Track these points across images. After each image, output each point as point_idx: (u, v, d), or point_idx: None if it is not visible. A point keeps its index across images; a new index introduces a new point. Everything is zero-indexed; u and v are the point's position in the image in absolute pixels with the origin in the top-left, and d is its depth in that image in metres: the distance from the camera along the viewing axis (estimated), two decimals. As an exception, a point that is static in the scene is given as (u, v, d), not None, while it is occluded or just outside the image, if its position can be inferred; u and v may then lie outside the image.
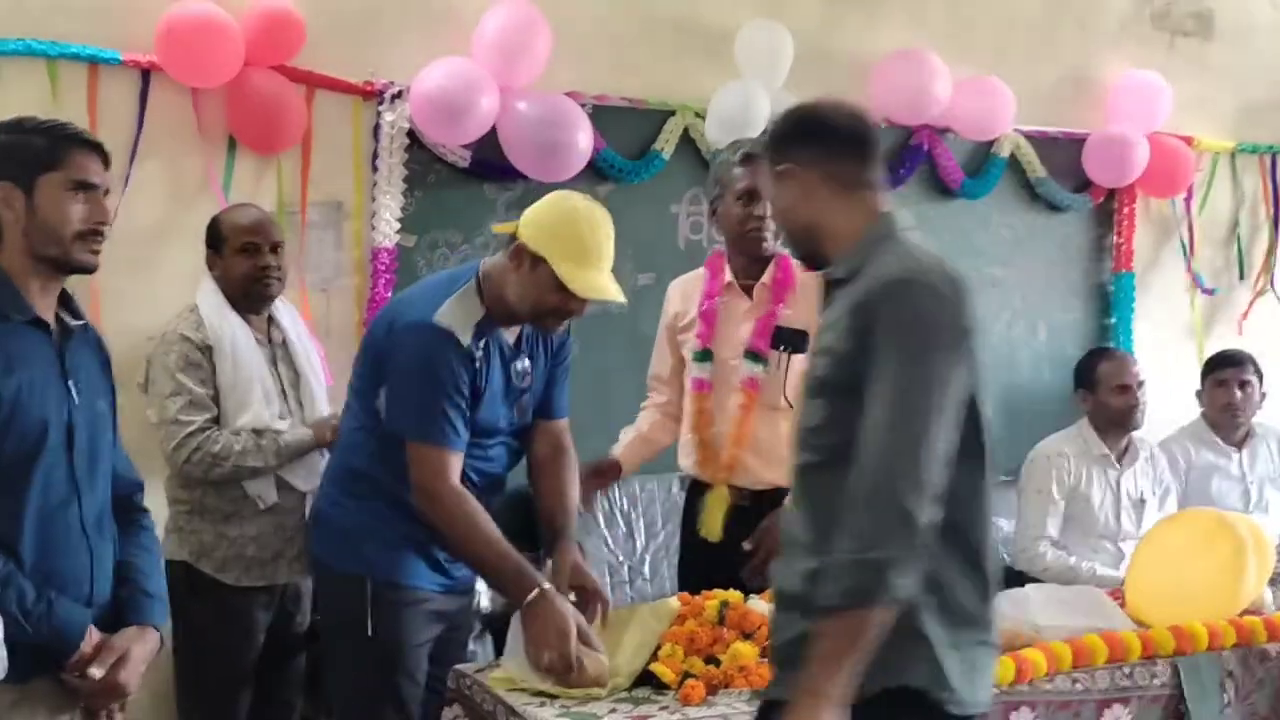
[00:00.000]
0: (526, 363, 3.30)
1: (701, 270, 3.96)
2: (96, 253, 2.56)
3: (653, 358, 4.09)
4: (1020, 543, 4.74)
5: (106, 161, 2.59)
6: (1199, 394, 5.22)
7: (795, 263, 3.82)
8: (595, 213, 3.14)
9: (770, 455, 3.76)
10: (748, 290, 3.84)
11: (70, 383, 2.53)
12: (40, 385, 2.46)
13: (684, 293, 3.97)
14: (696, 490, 3.89)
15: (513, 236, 3.13)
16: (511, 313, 3.18)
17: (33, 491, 2.42)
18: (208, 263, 3.77)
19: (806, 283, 3.80)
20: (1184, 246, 6.09)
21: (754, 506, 3.76)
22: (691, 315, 3.89)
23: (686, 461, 3.92)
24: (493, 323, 3.18)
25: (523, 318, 3.21)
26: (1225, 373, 5.12)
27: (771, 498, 3.72)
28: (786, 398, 3.73)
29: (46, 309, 2.53)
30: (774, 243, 3.77)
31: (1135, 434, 4.85)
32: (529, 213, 3.16)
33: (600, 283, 3.11)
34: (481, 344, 3.14)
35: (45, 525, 2.45)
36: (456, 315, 3.08)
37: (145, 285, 4.16)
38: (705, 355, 3.84)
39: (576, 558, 3.24)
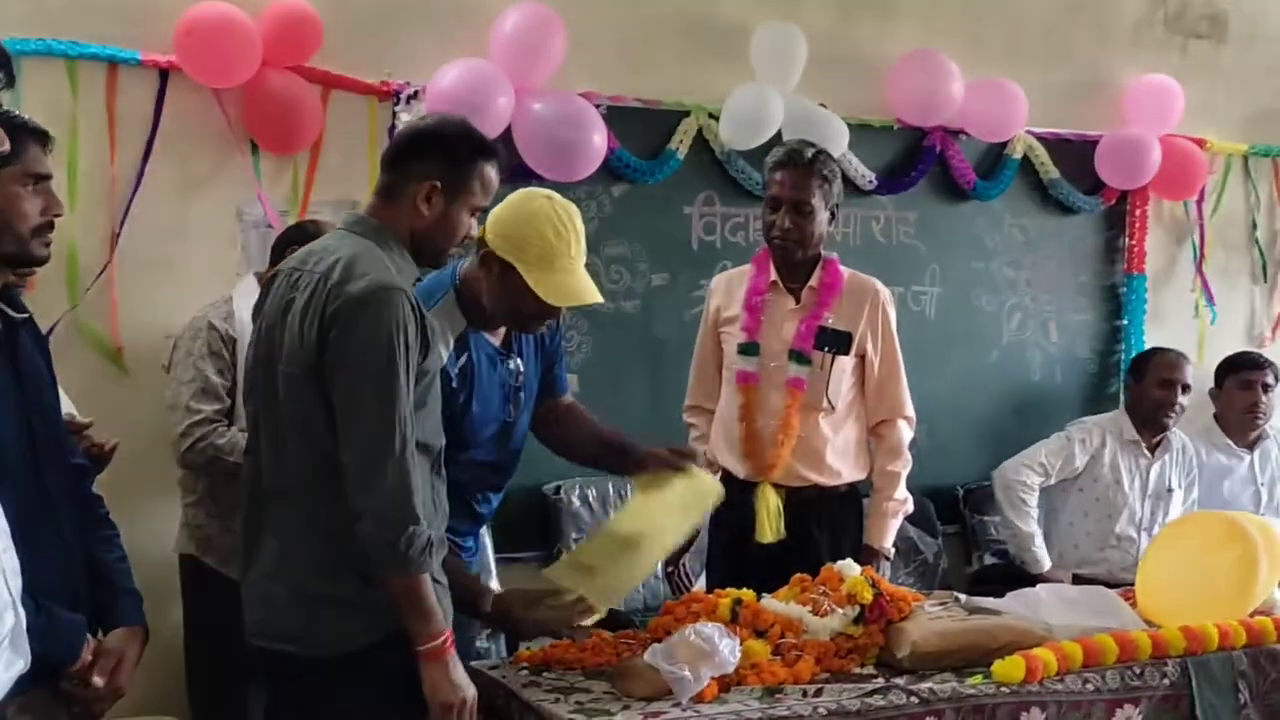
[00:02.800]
0: (518, 361, 3.22)
1: (746, 267, 3.98)
2: (49, 244, 2.49)
3: (691, 375, 4.09)
4: (1014, 462, 4.87)
5: (49, 149, 2.50)
6: (1213, 394, 5.22)
7: (844, 267, 3.87)
8: (560, 212, 3.00)
9: (810, 454, 3.83)
10: (791, 290, 3.87)
11: (22, 380, 2.45)
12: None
13: (727, 288, 3.99)
14: (733, 488, 3.90)
15: (482, 241, 3.00)
16: (491, 319, 3.09)
17: (5, 500, 2.26)
18: (272, 254, 3.78)
19: (852, 287, 3.84)
20: (1195, 249, 6.09)
21: (789, 503, 3.81)
22: (734, 310, 3.91)
23: (726, 458, 3.93)
24: (476, 330, 3.11)
25: (503, 323, 3.12)
26: (1250, 374, 5.12)
27: (808, 496, 3.81)
28: (829, 398, 3.78)
29: None
30: (802, 250, 3.80)
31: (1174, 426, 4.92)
32: (493, 216, 3.02)
33: (573, 286, 3.02)
34: (461, 360, 3.06)
35: (27, 535, 2.32)
36: (437, 332, 2.84)
37: (162, 284, 4.20)
38: (751, 348, 3.85)
39: (651, 449, 3.32)
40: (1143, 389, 4.90)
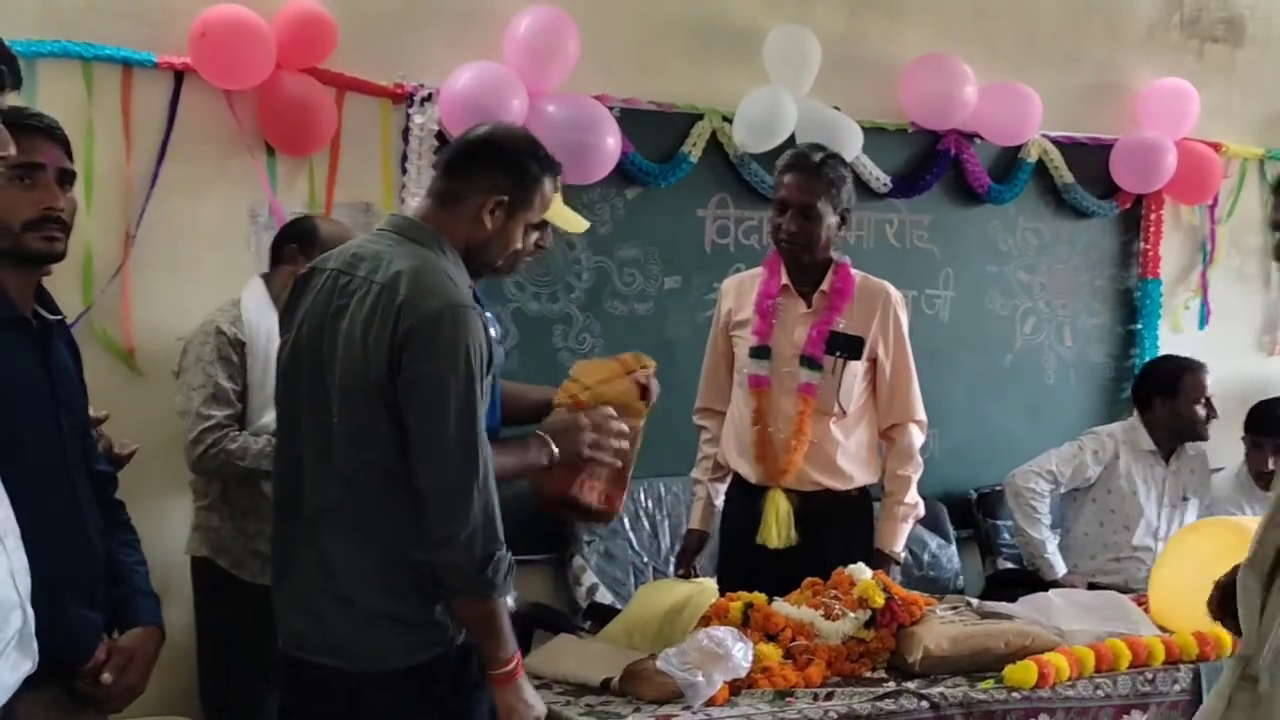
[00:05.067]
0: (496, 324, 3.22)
1: (758, 270, 3.98)
2: (54, 239, 2.42)
3: (702, 377, 4.09)
4: (1025, 469, 4.83)
5: (62, 144, 2.45)
6: (1245, 440, 5.11)
7: (856, 271, 3.86)
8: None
9: (822, 459, 3.83)
10: (802, 294, 3.87)
11: (55, 382, 2.45)
12: (26, 389, 2.38)
13: (738, 291, 3.99)
14: (744, 492, 3.90)
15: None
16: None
17: (35, 500, 2.28)
18: (287, 255, 3.77)
19: (864, 291, 3.84)
20: (1204, 253, 6.08)
21: (801, 508, 3.81)
22: (745, 314, 3.91)
23: (737, 461, 3.93)
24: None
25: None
26: (1262, 439, 4.98)
27: (820, 500, 3.80)
28: (840, 403, 3.78)
29: (24, 304, 2.41)
30: (809, 254, 3.79)
31: None
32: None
33: (569, 211, 3.10)
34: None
35: (53, 533, 2.35)
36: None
37: (175, 285, 4.21)
38: (763, 352, 3.86)
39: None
40: (1176, 406, 4.84)
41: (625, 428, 2.88)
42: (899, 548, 3.86)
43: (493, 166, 2.68)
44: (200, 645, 3.90)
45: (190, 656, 3.91)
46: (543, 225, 2.90)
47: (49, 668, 2.30)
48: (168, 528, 3.95)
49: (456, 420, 2.45)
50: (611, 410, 2.87)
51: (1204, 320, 6.09)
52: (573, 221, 3.12)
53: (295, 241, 3.79)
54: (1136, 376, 5.21)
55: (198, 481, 3.79)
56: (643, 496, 4.85)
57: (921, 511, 3.95)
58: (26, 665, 2.14)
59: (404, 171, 4.53)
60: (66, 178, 2.48)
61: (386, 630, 2.53)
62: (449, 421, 2.45)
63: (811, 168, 3.74)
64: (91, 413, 3.24)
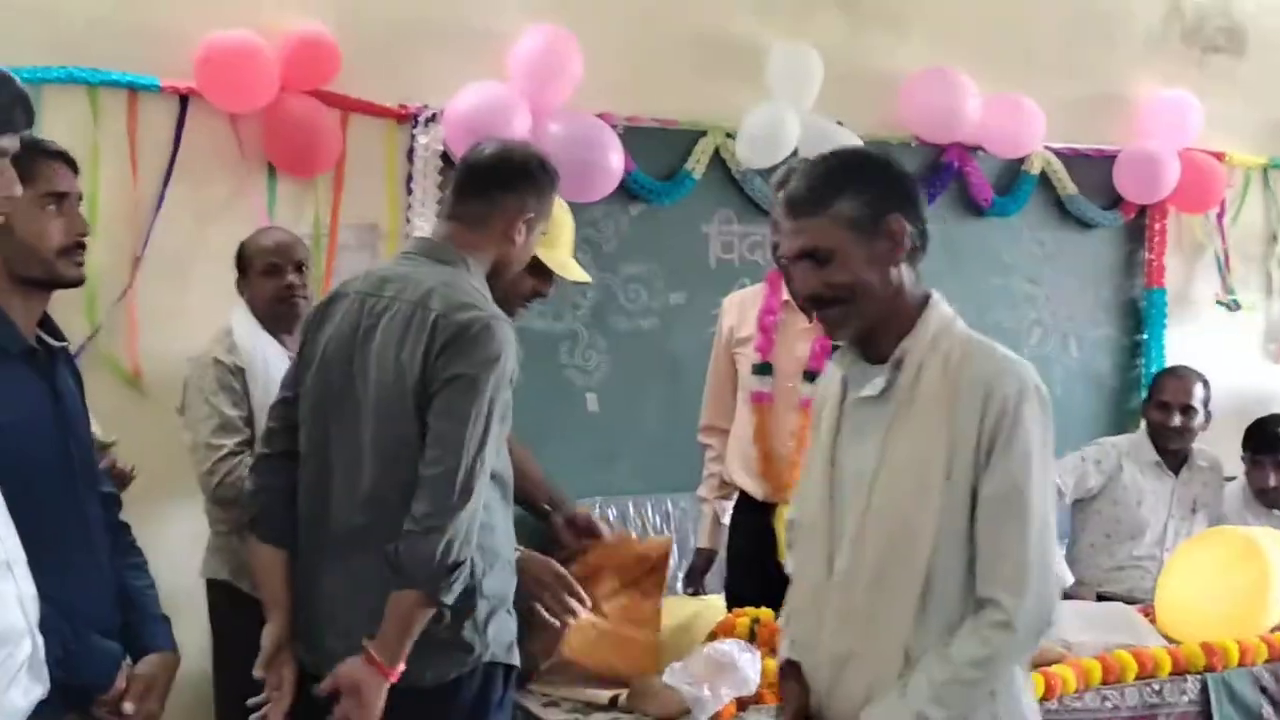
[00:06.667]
0: None
1: (759, 286, 3.99)
2: (80, 264, 2.46)
3: (706, 395, 4.07)
4: None
5: (75, 168, 2.49)
6: (1244, 458, 5.08)
7: None
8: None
9: None
10: (804, 309, 3.86)
11: (61, 408, 2.45)
12: (36, 420, 2.39)
13: (740, 308, 3.99)
14: (751, 509, 3.90)
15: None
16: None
17: (49, 530, 2.31)
18: (237, 287, 3.82)
19: None
20: (1219, 262, 6.08)
21: None
22: (747, 331, 3.91)
23: (742, 478, 3.93)
24: None
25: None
26: (1261, 456, 4.85)
27: None
28: None
29: (31, 333, 2.43)
30: None
31: (1195, 444, 4.83)
32: None
33: (574, 264, 3.15)
34: None
35: (66, 561, 2.37)
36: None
37: (183, 308, 4.23)
38: (765, 368, 3.86)
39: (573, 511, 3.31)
40: (1147, 411, 4.85)
41: (585, 598, 3.03)
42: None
43: (517, 186, 2.73)
44: (218, 668, 3.88)
45: (204, 680, 3.90)
46: (546, 275, 2.98)
47: (68, 697, 2.33)
48: (175, 549, 3.94)
49: (475, 421, 2.49)
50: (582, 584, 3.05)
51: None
52: (577, 274, 3.17)
53: (237, 268, 3.82)
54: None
55: (214, 509, 3.78)
56: (650, 513, 4.86)
57: None
58: (38, 690, 2.16)
59: (409, 192, 4.56)
60: (78, 202, 2.52)
61: (416, 648, 2.53)
62: (470, 420, 2.48)
63: None
64: (101, 435, 3.26)
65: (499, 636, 2.63)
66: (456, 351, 2.50)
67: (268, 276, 3.73)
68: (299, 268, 3.77)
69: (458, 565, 2.48)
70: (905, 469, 2.29)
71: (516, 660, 2.69)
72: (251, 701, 2.69)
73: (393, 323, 2.57)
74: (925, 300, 2.43)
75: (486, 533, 2.58)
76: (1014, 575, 2.22)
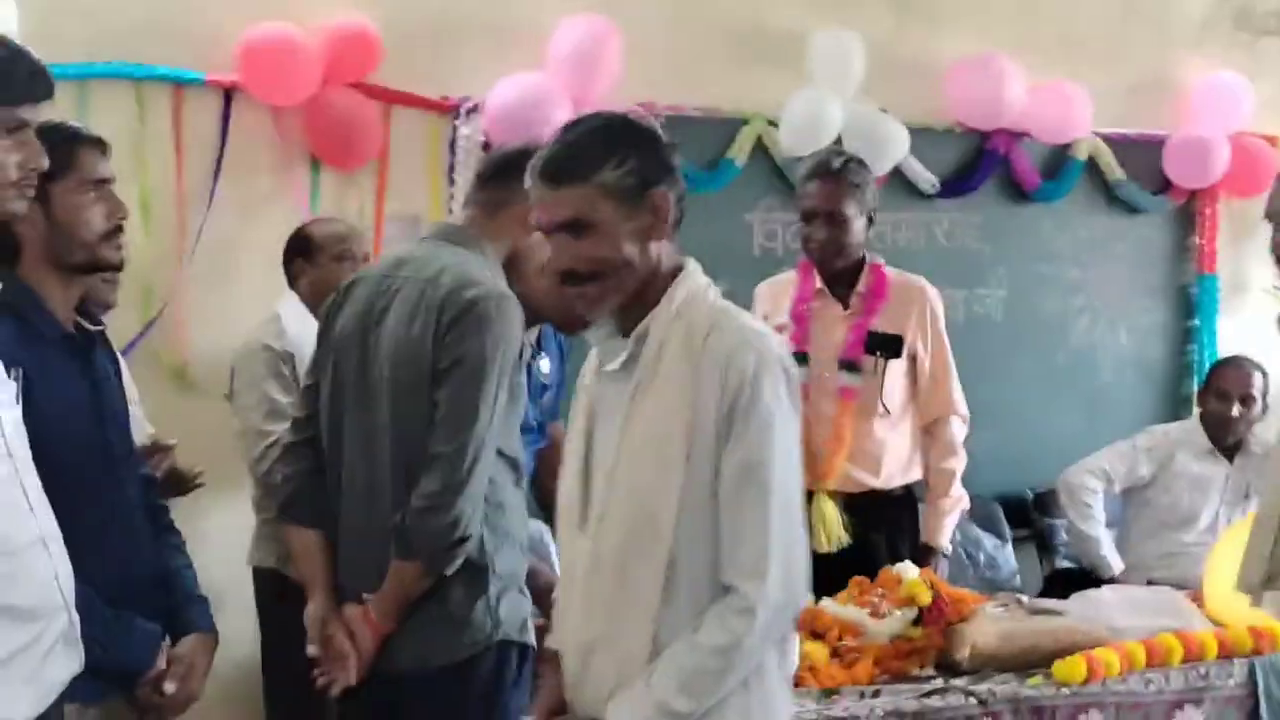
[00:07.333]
0: (546, 361, 3.31)
1: (791, 274, 3.98)
2: (120, 248, 2.51)
3: None
4: (1077, 467, 4.78)
5: (108, 153, 2.52)
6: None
7: (890, 270, 3.86)
8: None
9: (866, 459, 3.83)
10: (838, 296, 3.87)
11: (99, 391, 2.49)
12: (76, 406, 2.43)
13: (773, 295, 4.00)
14: None
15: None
16: (535, 315, 2.84)
17: (86, 513, 2.34)
18: (296, 271, 3.84)
19: (899, 289, 3.83)
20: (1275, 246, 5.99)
21: (846, 509, 3.81)
22: (781, 319, 3.91)
23: None
24: None
25: (550, 318, 2.91)
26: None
27: (865, 500, 3.80)
28: (884, 403, 3.78)
29: (69, 318, 2.47)
30: (840, 260, 3.81)
31: (1256, 430, 4.78)
32: None
33: None
34: None
35: (109, 544, 2.41)
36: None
37: (229, 300, 4.27)
38: (800, 358, 3.83)
39: None
40: (1204, 400, 4.81)
41: None
42: (944, 541, 3.85)
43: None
44: (266, 657, 3.92)
45: (254, 668, 3.94)
46: None
47: (109, 679, 2.37)
48: (223, 541, 3.98)
49: (484, 400, 2.53)
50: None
51: None
52: None
53: (299, 255, 3.85)
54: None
55: (261, 495, 3.81)
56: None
57: (966, 504, 3.95)
58: (74, 664, 2.19)
59: (451, 183, 4.58)
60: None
61: (428, 629, 2.58)
62: (479, 397, 2.53)
63: (833, 173, 3.76)
64: (154, 436, 3.30)
65: (511, 615, 2.65)
66: (464, 329, 2.54)
67: (339, 262, 3.77)
68: (366, 258, 3.83)
69: (462, 541, 2.52)
70: (645, 447, 2.16)
71: (531, 639, 2.69)
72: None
73: (405, 301, 2.62)
74: (678, 271, 2.27)
75: (497, 511, 2.62)
76: (755, 559, 2.10)
